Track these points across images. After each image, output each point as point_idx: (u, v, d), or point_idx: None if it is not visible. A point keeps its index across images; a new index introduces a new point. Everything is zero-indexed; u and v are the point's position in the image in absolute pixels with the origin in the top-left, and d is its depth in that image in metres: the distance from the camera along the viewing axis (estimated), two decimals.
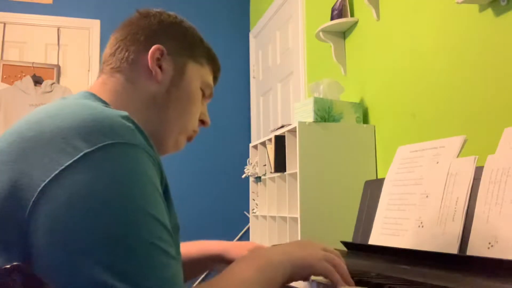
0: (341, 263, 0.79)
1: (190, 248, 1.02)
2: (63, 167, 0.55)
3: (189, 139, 0.89)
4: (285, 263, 0.73)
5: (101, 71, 0.83)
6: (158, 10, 0.87)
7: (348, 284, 0.79)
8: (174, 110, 0.82)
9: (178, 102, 0.83)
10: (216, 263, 1.02)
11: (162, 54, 0.81)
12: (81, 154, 0.56)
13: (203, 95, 0.88)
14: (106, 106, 0.69)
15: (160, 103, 0.81)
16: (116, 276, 0.52)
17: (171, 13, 0.89)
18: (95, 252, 0.53)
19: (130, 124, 0.62)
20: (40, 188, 0.55)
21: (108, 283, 0.52)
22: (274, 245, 1.04)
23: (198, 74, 0.86)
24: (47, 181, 0.55)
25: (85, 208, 0.54)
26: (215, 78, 0.92)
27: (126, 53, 0.81)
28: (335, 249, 0.85)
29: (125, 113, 0.64)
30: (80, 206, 0.54)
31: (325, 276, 0.77)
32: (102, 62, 0.85)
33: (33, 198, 0.55)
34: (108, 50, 0.84)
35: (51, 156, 0.56)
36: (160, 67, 0.81)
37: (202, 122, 0.91)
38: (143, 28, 0.83)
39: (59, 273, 0.53)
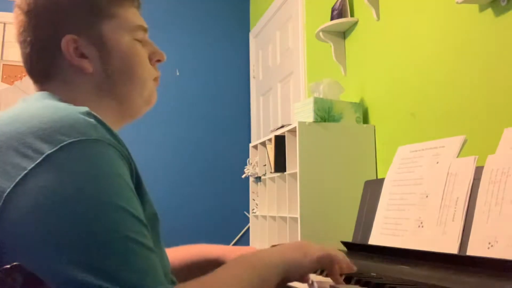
0: (337, 257, 0.77)
1: (189, 251, 1.01)
2: (26, 171, 0.55)
3: (156, 85, 0.83)
4: (279, 263, 0.72)
5: (34, 82, 0.78)
6: None
7: (350, 271, 0.78)
8: (124, 85, 0.77)
9: (121, 75, 0.77)
10: (215, 267, 1.02)
11: (76, 42, 0.74)
12: (43, 156, 0.55)
13: (138, 41, 0.80)
14: (66, 104, 0.68)
15: (106, 87, 0.76)
16: (93, 273, 0.51)
17: None
18: (69, 251, 0.52)
19: (91, 120, 0.60)
20: (4, 195, 0.54)
21: (86, 281, 0.51)
22: (273, 245, 1.04)
23: (120, 28, 0.77)
24: (11, 187, 0.54)
25: (53, 210, 0.53)
26: (136, 7, 0.82)
27: (43, 61, 0.75)
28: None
29: (85, 108, 0.62)
30: (48, 208, 0.53)
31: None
32: (26, 70, 0.79)
33: None
34: (25, 64, 0.78)
35: (13, 162, 0.55)
36: (82, 55, 0.74)
37: (158, 60, 0.83)
38: (36, 28, 0.76)
39: (43, 278, 0.52)
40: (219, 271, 0.66)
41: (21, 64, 0.81)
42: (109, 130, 0.62)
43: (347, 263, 0.78)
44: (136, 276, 0.54)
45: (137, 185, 0.64)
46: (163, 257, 0.69)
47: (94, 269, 0.52)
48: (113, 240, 0.54)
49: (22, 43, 0.78)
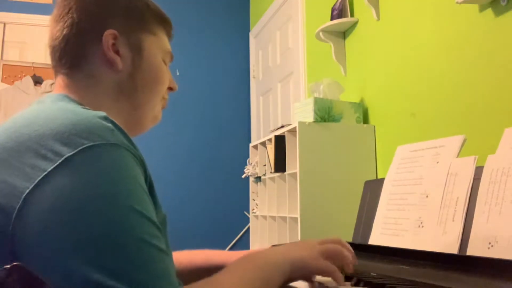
0: (339, 250, 0.78)
1: (195, 256, 1.01)
2: (45, 173, 0.55)
3: (163, 107, 0.87)
4: (283, 263, 0.73)
5: (57, 71, 0.79)
6: None
7: (347, 270, 0.78)
8: (143, 93, 0.80)
9: (145, 83, 0.80)
10: None
11: (115, 39, 0.76)
12: (63, 159, 0.56)
13: (165, 63, 0.84)
14: (83, 107, 0.69)
15: (127, 90, 0.78)
16: (108, 274, 0.52)
17: None
18: (85, 253, 0.53)
19: (109, 124, 0.62)
20: (24, 195, 0.55)
21: (101, 281, 0.52)
22: (273, 245, 1.04)
23: (156, 45, 0.82)
24: (30, 188, 0.55)
25: (71, 211, 0.54)
26: (169, 38, 0.88)
27: (77, 48, 0.76)
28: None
29: (102, 113, 0.64)
30: (65, 209, 0.54)
31: (325, 274, 0.77)
32: (53, 58, 0.79)
33: (18, 206, 0.54)
34: (55, 45, 0.78)
35: (32, 164, 0.56)
36: (117, 52, 0.77)
37: (170, 88, 0.87)
38: (86, 13, 0.77)
39: (53, 278, 0.53)
40: (223, 272, 0.66)
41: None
42: (125, 135, 0.63)
43: (348, 255, 0.78)
44: (150, 278, 0.55)
45: (150, 189, 0.65)
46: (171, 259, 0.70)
47: (108, 270, 0.53)
48: (129, 243, 0.55)
49: (62, 25, 0.77)
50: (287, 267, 0.73)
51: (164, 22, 0.85)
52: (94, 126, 0.60)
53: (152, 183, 0.67)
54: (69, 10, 0.77)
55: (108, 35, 0.76)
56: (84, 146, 0.57)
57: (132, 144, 0.64)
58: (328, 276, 0.77)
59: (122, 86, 0.78)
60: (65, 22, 0.77)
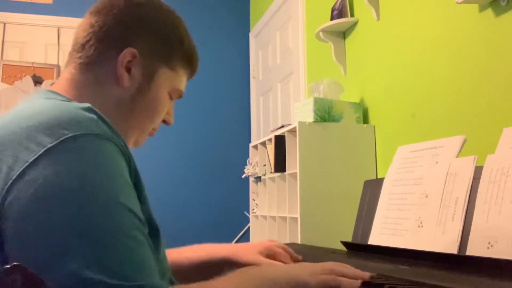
0: (343, 268, 0.77)
1: (196, 251, 1.01)
2: (27, 164, 0.56)
3: (150, 135, 0.87)
4: (283, 280, 0.71)
5: (70, 60, 0.79)
6: None
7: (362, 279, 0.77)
8: (138, 117, 0.80)
9: (142, 109, 0.80)
10: (226, 268, 1.01)
11: (134, 57, 0.77)
12: (44, 149, 0.56)
13: (170, 98, 0.85)
14: (69, 100, 0.70)
15: (124, 109, 0.78)
16: (86, 265, 0.52)
17: (158, 3, 0.83)
18: (62, 243, 0.53)
19: (92, 115, 0.62)
20: (7, 186, 0.55)
21: (78, 272, 0.52)
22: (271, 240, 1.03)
23: (169, 81, 0.82)
24: (12, 179, 0.55)
25: (52, 203, 0.54)
26: (190, 77, 0.88)
27: (96, 51, 0.77)
28: (334, 250, 0.84)
29: (87, 104, 0.64)
30: (47, 201, 0.54)
31: (327, 285, 0.76)
32: (72, 46, 0.80)
33: (1, 198, 0.55)
34: (80, 36, 0.78)
35: (15, 156, 0.57)
36: (128, 71, 0.77)
37: (164, 121, 0.88)
38: (119, 21, 0.78)
39: (32, 267, 0.52)
40: (220, 280, 0.66)
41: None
42: (109, 126, 0.63)
43: (354, 274, 0.76)
44: (128, 269, 0.54)
45: (136, 182, 0.65)
46: (162, 259, 0.69)
47: (86, 261, 0.52)
48: (108, 234, 0.55)
49: (94, 21, 0.78)
50: (284, 284, 0.71)
51: (189, 65, 0.86)
52: (77, 117, 0.60)
53: (138, 176, 0.66)
54: (108, 12, 0.78)
55: (128, 52, 0.76)
56: (65, 137, 0.57)
57: (117, 135, 0.63)
58: (330, 285, 0.76)
59: (122, 104, 0.78)
60: (98, 21, 0.78)
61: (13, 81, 3.56)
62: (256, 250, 0.98)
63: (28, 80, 3.50)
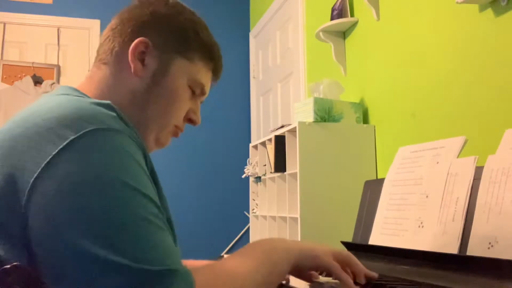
0: (353, 261, 0.79)
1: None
2: (51, 156, 0.57)
3: (174, 135, 0.87)
4: (292, 249, 0.74)
5: (94, 63, 0.82)
6: None
7: (360, 281, 0.78)
8: (154, 109, 0.79)
9: (158, 100, 0.79)
10: None
11: (146, 48, 0.78)
12: (67, 141, 0.58)
13: (193, 92, 0.83)
14: (88, 97, 0.72)
15: (140, 100, 0.78)
16: (113, 251, 0.54)
17: (173, 1, 0.84)
18: (90, 231, 0.55)
19: (112, 112, 0.64)
20: (32, 179, 0.56)
21: (108, 259, 0.53)
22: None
23: (186, 72, 0.81)
24: (38, 171, 0.57)
25: (76, 192, 0.56)
26: (214, 76, 0.87)
27: (112, 45, 0.79)
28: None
29: (107, 102, 0.66)
30: (71, 191, 0.56)
31: (330, 272, 0.77)
32: (97, 51, 0.83)
33: (27, 190, 0.56)
34: (102, 39, 0.82)
35: (39, 148, 0.58)
36: (142, 61, 0.78)
37: (190, 120, 0.87)
38: (134, 18, 0.80)
39: (61, 258, 0.54)
40: (231, 257, 0.68)
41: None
42: (128, 124, 0.65)
43: (360, 264, 0.80)
44: (152, 254, 0.56)
45: (153, 178, 0.66)
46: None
47: (113, 247, 0.54)
48: (133, 221, 0.57)
49: (114, 23, 0.81)
50: (296, 254, 0.74)
51: (211, 58, 0.84)
52: (97, 112, 0.62)
53: (155, 175, 0.68)
54: (123, 13, 0.81)
55: (140, 42, 0.77)
56: (87, 130, 0.59)
57: (136, 133, 0.66)
58: (334, 276, 0.77)
59: (137, 93, 0.78)
60: (116, 21, 0.81)
61: (13, 81, 3.56)
62: None
63: (28, 80, 3.50)
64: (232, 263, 0.67)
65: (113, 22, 0.82)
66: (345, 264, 0.79)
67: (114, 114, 0.64)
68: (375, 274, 0.80)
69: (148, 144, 0.83)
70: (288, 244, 0.76)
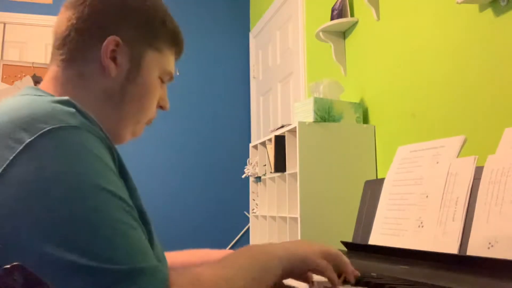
0: (341, 256, 0.79)
1: (192, 255, 1.01)
2: (8, 162, 0.55)
3: (148, 123, 0.86)
4: (281, 255, 0.72)
5: (53, 57, 0.78)
6: None
7: (350, 279, 0.79)
8: (130, 106, 0.78)
9: (134, 97, 0.78)
10: None
11: (117, 46, 0.75)
12: (23, 145, 0.56)
13: (162, 81, 0.83)
14: (49, 95, 0.69)
15: (115, 99, 0.76)
16: (81, 254, 0.52)
17: None
18: (55, 235, 0.53)
19: (70, 108, 0.61)
20: None
21: (74, 261, 0.52)
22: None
23: (157, 64, 0.80)
24: None
25: (36, 196, 0.54)
26: (177, 57, 0.87)
27: (77, 44, 0.75)
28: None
29: (65, 98, 0.63)
30: (30, 195, 0.54)
31: (321, 273, 0.77)
32: (53, 43, 0.78)
33: None
34: (59, 31, 0.77)
35: None
36: (114, 60, 0.75)
37: (161, 107, 0.86)
38: (97, 11, 0.76)
39: (26, 264, 0.52)
40: (220, 261, 0.66)
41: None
42: (89, 118, 0.62)
43: (348, 264, 0.79)
44: (122, 254, 0.54)
45: (121, 173, 0.64)
46: (155, 247, 0.69)
47: (81, 250, 0.52)
48: (99, 221, 0.55)
49: (71, 15, 0.77)
50: (285, 259, 0.72)
51: (176, 43, 0.84)
52: (53, 111, 0.60)
53: (123, 166, 0.65)
54: (83, 3, 0.76)
55: (111, 40, 0.74)
56: (43, 130, 0.57)
57: (98, 127, 0.63)
58: (324, 275, 0.77)
59: (111, 94, 0.76)
60: (75, 13, 0.76)
61: (13, 81, 3.56)
62: None
63: (28, 80, 3.50)
64: (220, 265, 0.64)
65: (70, 13, 0.76)
66: (333, 263, 0.78)
67: (73, 109, 0.61)
68: (357, 273, 0.81)
69: (125, 136, 0.81)
70: (277, 249, 0.73)
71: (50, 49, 0.81)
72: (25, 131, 0.57)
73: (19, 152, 0.55)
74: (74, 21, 0.76)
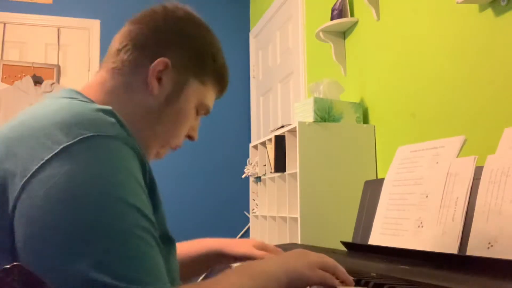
0: (337, 266, 0.78)
1: (189, 247, 1.01)
2: (43, 161, 0.56)
3: (173, 149, 0.87)
4: (280, 274, 0.71)
5: (104, 64, 0.80)
6: (185, 10, 0.83)
7: (348, 284, 0.79)
8: (163, 127, 0.80)
9: (169, 119, 0.80)
10: (217, 260, 1.02)
11: (166, 68, 0.78)
12: (60, 147, 0.57)
13: (197, 113, 0.85)
14: (91, 102, 0.70)
15: (152, 117, 0.78)
16: (94, 266, 0.52)
17: (198, 19, 0.84)
18: (72, 243, 0.53)
19: (111, 118, 0.62)
20: (22, 183, 0.55)
21: (89, 275, 0.52)
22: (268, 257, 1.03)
23: (198, 95, 0.83)
24: (27, 176, 0.55)
25: (62, 201, 0.54)
26: (219, 96, 0.90)
27: (131, 57, 0.78)
28: (335, 250, 0.84)
29: (108, 107, 0.64)
30: (57, 199, 0.54)
31: (322, 284, 0.77)
32: (108, 52, 0.81)
33: (16, 195, 0.55)
34: (117, 42, 0.80)
35: (32, 152, 0.57)
36: (159, 80, 0.78)
37: (189, 136, 0.88)
38: (158, 31, 0.79)
39: (40, 269, 0.53)
40: (218, 278, 0.65)
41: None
42: (127, 131, 0.64)
43: (345, 273, 0.78)
44: (137, 272, 0.54)
45: (151, 187, 0.65)
46: (171, 269, 0.69)
47: (95, 262, 0.52)
48: (118, 235, 0.55)
49: (133, 30, 0.80)
50: (283, 278, 0.71)
51: (220, 82, 0.87)
52: (95, 118, 0.61)
53: (153, 181, 0.67)
54: (147, 22, 0.79)
55: (161, 61, 0.77)
56: (82, 136, 0.58)
57: (134, 141, 0.64)
58: (325, 285, 0.77)
59: (149, 112, 0.78)
60: (136, 29, 0.79)
61: (13, 81, 3.56)
62: (249, 244, 0.99)
63: (28, 80, 3.50)
64: (220, 286, 0.64)
65: (132, 28, 0.80)
66: (331, 273, 0.77)
67: (114, 120, 0.62)
68: (352, 281, 0.80)
69: (149, 155, 0.83)
70: (275, 267, 0.72)
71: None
72: (65, 134, 0.58)
73: (55, 154, 0.56)
74: (134, 36, 0.79)
